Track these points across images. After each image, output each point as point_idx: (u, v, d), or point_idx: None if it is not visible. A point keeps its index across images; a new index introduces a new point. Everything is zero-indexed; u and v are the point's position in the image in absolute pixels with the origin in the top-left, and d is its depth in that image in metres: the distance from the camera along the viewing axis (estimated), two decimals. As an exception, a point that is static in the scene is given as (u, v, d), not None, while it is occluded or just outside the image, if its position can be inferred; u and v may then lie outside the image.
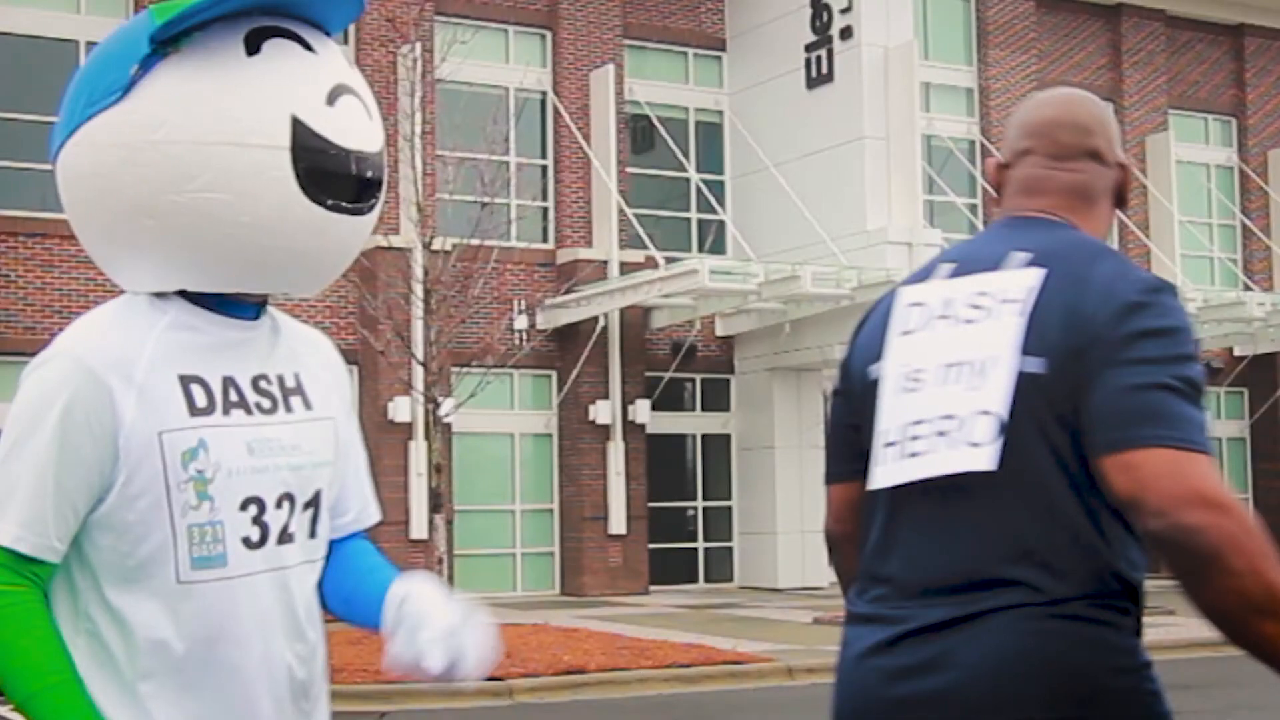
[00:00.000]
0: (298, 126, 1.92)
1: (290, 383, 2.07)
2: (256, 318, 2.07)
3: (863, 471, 2.34)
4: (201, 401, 1.95)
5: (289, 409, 2.05)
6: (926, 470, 2.17)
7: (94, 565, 1.92)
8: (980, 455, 2.11)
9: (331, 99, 1.96)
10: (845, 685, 2.27)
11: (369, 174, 2.00)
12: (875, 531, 2.28)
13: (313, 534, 2.08)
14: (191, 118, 1.90)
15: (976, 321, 2.21)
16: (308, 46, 1.98)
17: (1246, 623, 1.92)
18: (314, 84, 1.96)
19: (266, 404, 2.02)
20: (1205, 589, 1.93)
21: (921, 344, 2.26)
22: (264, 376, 2.04)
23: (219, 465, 1.94)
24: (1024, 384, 2.12)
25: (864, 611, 2.26)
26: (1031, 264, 2.21)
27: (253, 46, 1.93)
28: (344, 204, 1.97)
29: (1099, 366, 2.06)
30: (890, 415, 2.25)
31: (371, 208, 2.03)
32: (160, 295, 2.00)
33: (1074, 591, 2.07)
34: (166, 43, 1.91)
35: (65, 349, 1.93)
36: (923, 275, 2.36)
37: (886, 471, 2.24)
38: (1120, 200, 2.46)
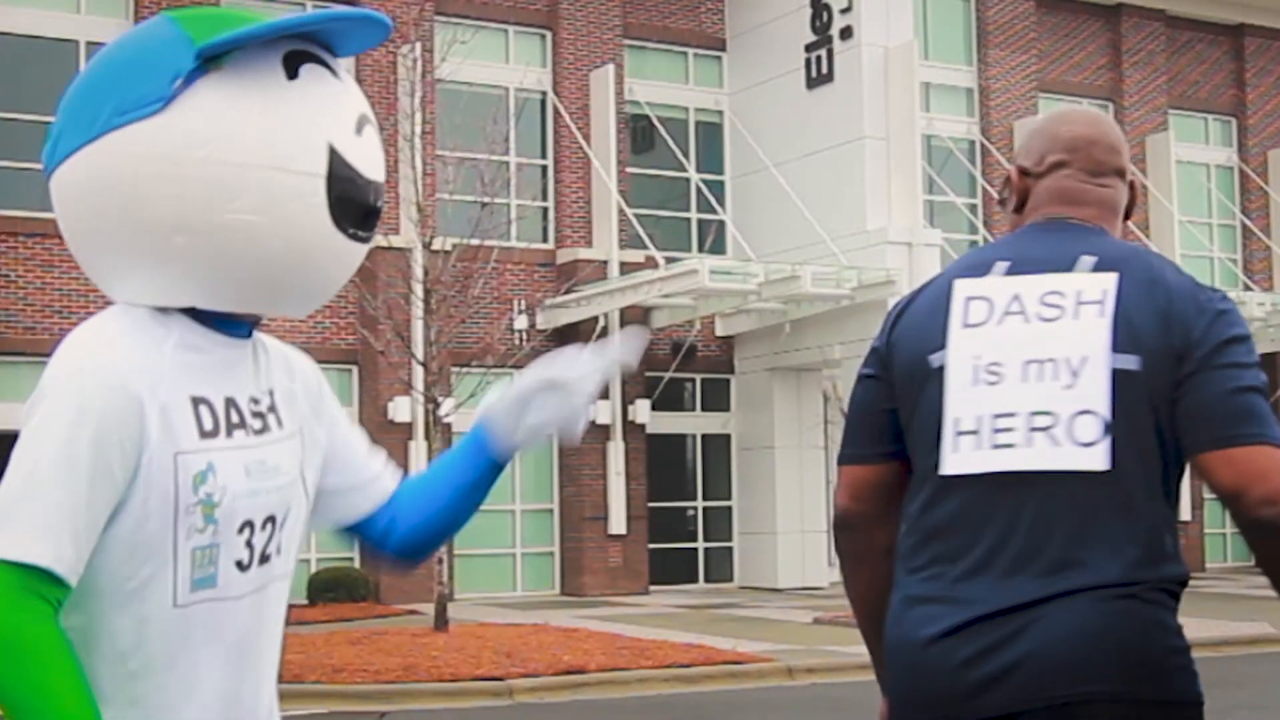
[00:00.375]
0: (333, 155, 1.95)
1: (268, 401, 2.07)
2: (249, 336, 2.07)
3: (892, 455, 2.50)
4: (209, 424, 1.95)
5: (269, 429, 2.05)
6: (1027, 463, 2.31)
7: (81, 588, 1.86)
8: (1094, 455, 2.28)
9: (359, 128, 2.00)
10: (914, 671, 2.37)
11: (378, 204, 2.04)
12: (938, 514, 2.38)
13: (280, 550, 2.07)
14: (235, 138, 1.89)
15: (1056, 320, 2.34)
16: (334, 73, 2.01)
17: None
18: (346, 113, 1.99)
19: (258, 425, 2.03)
20: None
21: (993, 338, 2.37)
22: (255, 397, 2.04)
23: (225, 489, 1.93)
24: (1120, 381, 2.29)
25: (927, 593, 2.37)
26: (1099, 267, 2.38)
27: (291, 70, 1.94)
28: (360, 233, 2.01)
29: (1198, 369, 2.28)
30: (963, 405, 2.36)
31: (373, 236, 2.08)
32: (162, 310, 1.98)
33: (1138, 577, 2.27)
34: (209, 59, 1.90)
35: (90, 363, 1.87)
36: (977, 270, 2.47)
37: (964, 459, 2.36)
38: (1128, 214, 2.64)
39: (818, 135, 23.12)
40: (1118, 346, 2.29)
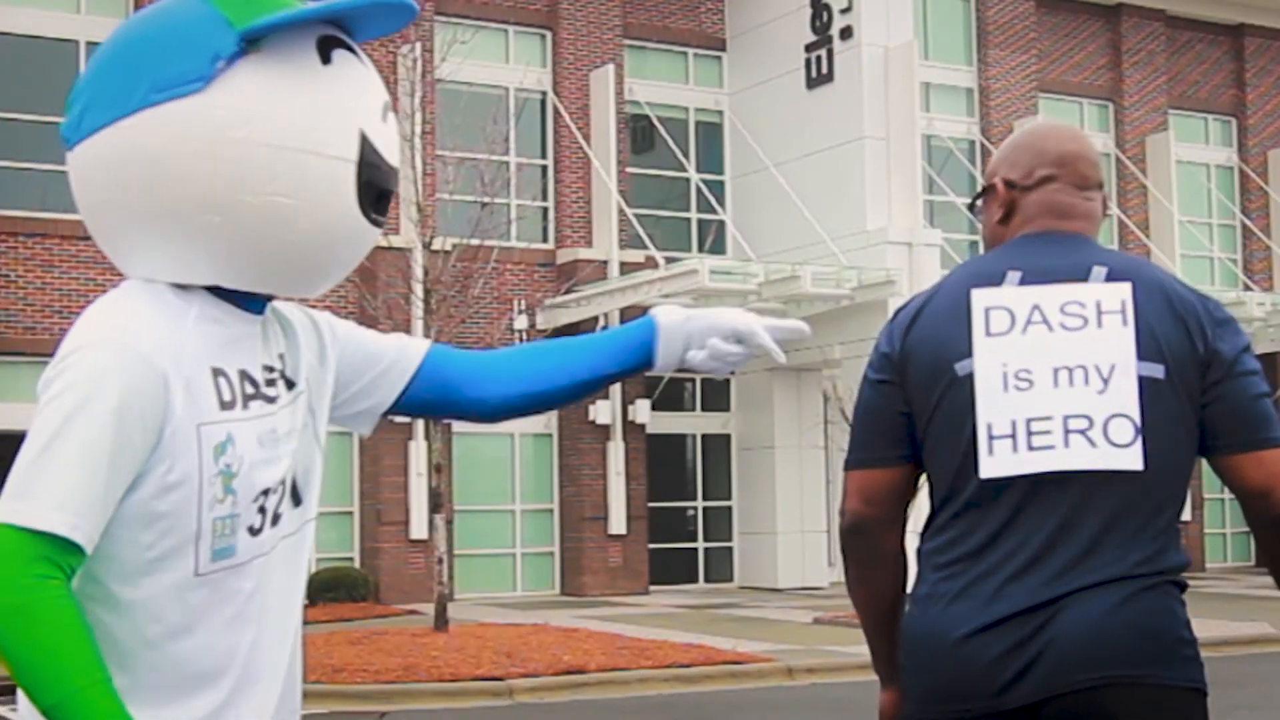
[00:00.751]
0: (364, 141, 2.00)
1: (279, 368, 2.11)
2: (262, 312, 2.10)
3: (905, 458, 2.59)
4: (227, 395, 1.98)
5: (279, 396, 2.08)
6: (1066, 463, 2.44)
7: (100, 557, 1.89)
8: (1131, 456, 2.43)
9: (384, 115, 2.06)
10: (943, 666, 2.47)
11: (393, 189, 2.09)
12: (974, 515, 2.48)
13: (298, 502, 2.10)
14: (273, 121, 1.93)
15: (1081, 329, 2.48)
16: (359, 58, 2.05)
17: None
18: (374, 99, 2.04)
19: (272, 394, 2.06)
20: None
21: (1018, 346, 2.49)
22: (268, 366, 2.08)
23: (242, 459, 1.97)
24: (1147, 388, 2.45)
25: (958, 590, 2.47)
26: (1111, 277, 2.52)
27: (325, 55, 1.98)
28: (378, 216, 2.06)
29: (1223, 377, 2.47)
30: (996, 410, 2.47)
31: (385, 219, 2.12)
32: (182, 285, 2.01)
33: (1158, 569, 2.44)
34: (250, 41, 1.93)
35: (113, 335, 1.89)
36: (990, 279, 2.57)
37: (1001, 462, 2.46)
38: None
39: (818, 135, 23.12)
40: (1143, 355, 2.45)
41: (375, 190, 2.02)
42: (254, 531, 2.00)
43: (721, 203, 24.47)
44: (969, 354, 2.50)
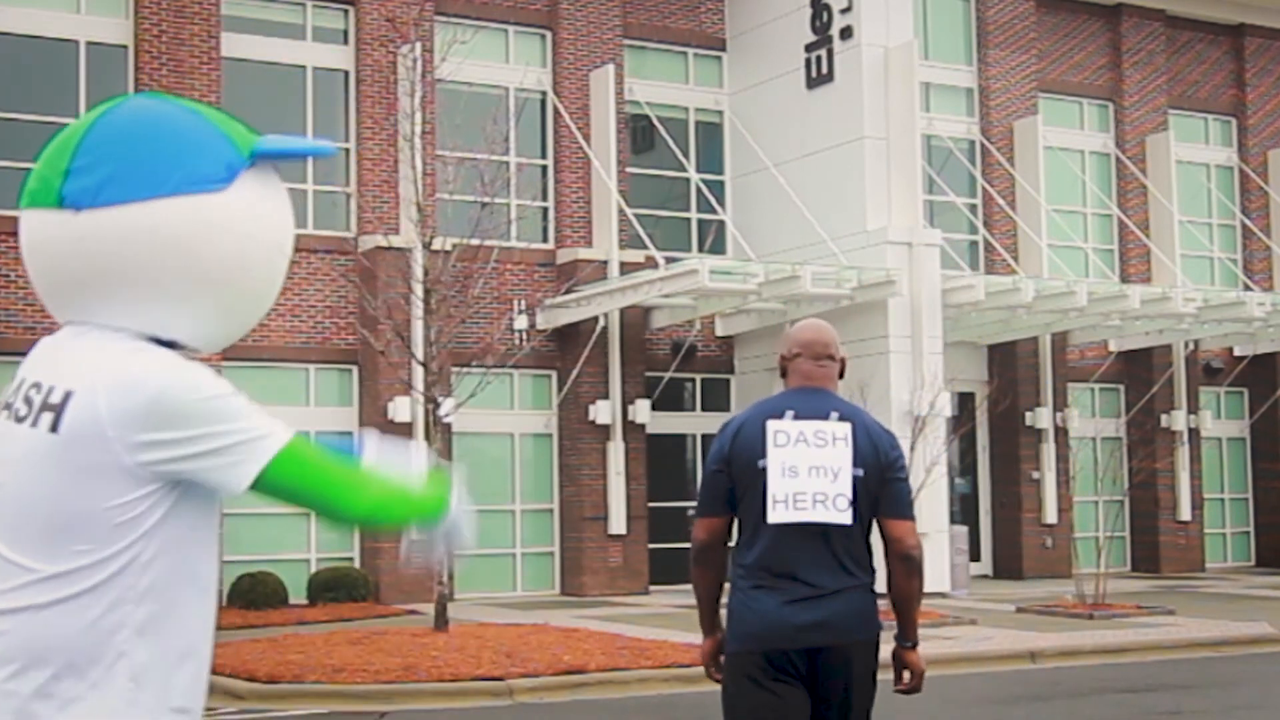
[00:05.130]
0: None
1: None
2: None
3: (727, 511, 4.65)
4: None
5: None
6: (813, 518, 4.50)
7: (189, 534, 2.40)
8: (846, 516, 4.54)
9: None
10: (767, 623, 4.53)
11: None
12: (767, 545, 4.54)
13: None
14: (270, 221, 2.47)
15: (823, 447, 4.54)
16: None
17: (919, 594, 4.62)
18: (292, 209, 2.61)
19: None
20: (918, 580, 4.61)
21: (791, 453, 4.53)
22: None
23: None
24: (856, 481, 4.54)
25: (766, 584, 4.54)
26: (841, 418, 4.59)
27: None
28: None
29: (892, 479, 4.61)
30: (778, 487, 4.51)
31: None
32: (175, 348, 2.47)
33: (862, 580, 4.59)
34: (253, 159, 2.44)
35: (223, 383, 2.38)
36: (777, 414, 4.59)
37: (780, 515, 4.51)
38: (841, 374, 4.79)
39: (818, 135, 23.12)
40: (855, 463, 4.54)
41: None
42: None
43: (721, 203, 24.47)
44: (764, 456, 4.53)
